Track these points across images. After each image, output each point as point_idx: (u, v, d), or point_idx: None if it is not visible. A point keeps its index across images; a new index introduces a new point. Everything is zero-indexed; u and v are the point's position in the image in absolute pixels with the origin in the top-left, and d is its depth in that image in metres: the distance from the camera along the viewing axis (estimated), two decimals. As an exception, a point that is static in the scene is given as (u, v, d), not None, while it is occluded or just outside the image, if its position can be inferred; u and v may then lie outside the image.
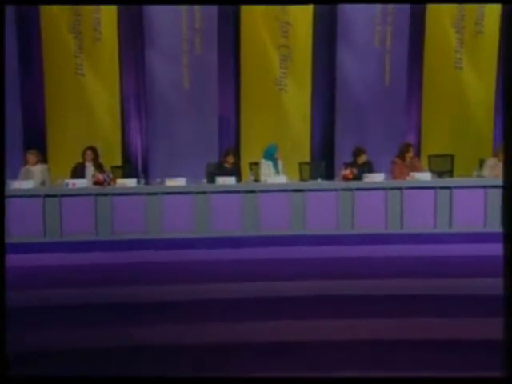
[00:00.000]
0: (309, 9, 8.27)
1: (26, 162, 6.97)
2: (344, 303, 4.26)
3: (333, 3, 8.16)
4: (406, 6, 8.24)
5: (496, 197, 6.18)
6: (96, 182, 6.35)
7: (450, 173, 7.46)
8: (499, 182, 6.32)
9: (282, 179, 6.55)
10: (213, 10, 8.12)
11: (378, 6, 8.22)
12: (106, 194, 6.22)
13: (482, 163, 7.03)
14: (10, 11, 7.89)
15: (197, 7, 8.10)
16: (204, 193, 6.25)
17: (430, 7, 8.34)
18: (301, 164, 7.57)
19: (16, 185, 6.35)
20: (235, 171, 6.90)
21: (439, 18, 8.39)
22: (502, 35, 8.35)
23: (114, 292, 4.56)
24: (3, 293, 2.59)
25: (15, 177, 6.74)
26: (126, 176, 7.10)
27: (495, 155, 6.92)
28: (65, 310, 4.28)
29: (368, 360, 3.57)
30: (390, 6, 8.22)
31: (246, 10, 8.25)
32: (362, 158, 6.91)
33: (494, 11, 8.31)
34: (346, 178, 6.37)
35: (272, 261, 5.43)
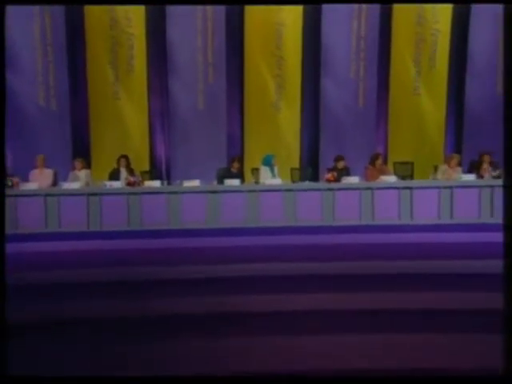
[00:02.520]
0: (298, 47, 8.20)
1: (73, 168, 6.91)
2: (327, 280, 4.22)
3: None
4: (375, 46, 8.17)
5: (447, 195, 6.14)
6: (128, 184, 6.29)
7: (411, 176, 7.45)
8: (450, 183, 6.37)
9: (277, 181, 6.48)
10: (222, 47, 8.05)
11: (354, 45, 8.17)
12: (136, 193, 6.13)
13: (435, 169, 7.01)
14: (61, 50, 7.84)
15: (209, 45, 8.06)
16: (215, 192, 6.17)
17: (394, 47, 8.26)
18: (292, 169, 7.48)
19: (65, 186, 6.28)
20: (240, 175, 6.84)
21: (402, 55, 8.30)
22: (450, 68, 8.30)
23: (142, 270, 4.51)
24: (3, 286, 2.37)
25: (65, 179, 6.69)
26: (152, 178, 7.02)
27: (446, 162, 6.91)
28: (106, 284, 4.22)
29: (353, 325, 3.51)
30: (362, 45, 8.18)
31: (249, 49, 8.16)
32: (341, 164, 6.85)
33: (443, 50, 8.24)
34: (328, 181, 6.30)
35: (269, 246, 5.36)
